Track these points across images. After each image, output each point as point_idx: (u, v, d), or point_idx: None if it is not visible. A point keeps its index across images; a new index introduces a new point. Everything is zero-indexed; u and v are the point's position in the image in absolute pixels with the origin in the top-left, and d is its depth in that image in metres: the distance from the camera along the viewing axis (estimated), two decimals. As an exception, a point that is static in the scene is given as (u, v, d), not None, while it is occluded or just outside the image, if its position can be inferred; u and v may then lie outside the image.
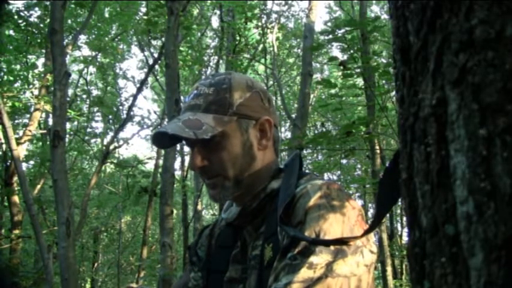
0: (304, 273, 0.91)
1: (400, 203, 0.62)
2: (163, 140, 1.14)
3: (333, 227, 0.95)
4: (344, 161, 11.07)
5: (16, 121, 9.45)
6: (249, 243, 1.10)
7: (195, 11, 10.26)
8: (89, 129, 11.91)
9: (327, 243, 0.91)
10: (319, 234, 0.94)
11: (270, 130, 1.13)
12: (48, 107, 7.83)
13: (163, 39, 7.91)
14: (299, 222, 0.97)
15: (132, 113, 10.80)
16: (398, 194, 0.60)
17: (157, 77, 12.02)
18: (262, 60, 10.30)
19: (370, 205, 11.99)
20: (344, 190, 1.04)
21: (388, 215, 8.09)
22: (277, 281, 0.93)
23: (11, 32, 8.24)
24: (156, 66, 10.52)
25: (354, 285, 0.93)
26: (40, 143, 10.34)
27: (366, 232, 0.76)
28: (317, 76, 12.42)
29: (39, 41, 8.24)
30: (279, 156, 1.20)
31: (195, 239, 1.32)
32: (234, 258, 1.13)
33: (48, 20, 5.16)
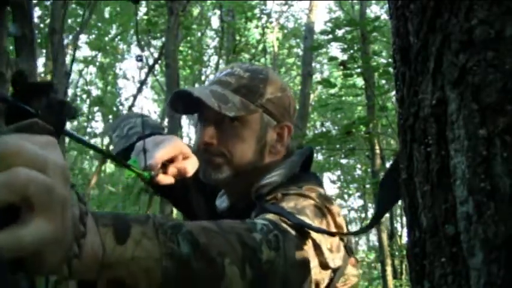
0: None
1: (400, 203, 0.62)
2: (178, 103, 1.07)
3: (312, 213, 0.87)
4: (344, 161, 11.06)
5: (16, 121, 9.44)
6: None
7: (195, 11, 10.25)
8: (89, 129, 11.91)
9: (312, 228, 0.81)
10: (297, 208, 0.86)
11: (288, 137, 1.08)
12: (48, 107, 7.81)
13: (163, 39, 7.91)
14: (274, 187, 0.95)
15: (132, 113, 10.79)
16: (398, 195, 0.60)
17: (157, 77, 12.01)
18: (262, 60, 10.29)
19: (370, 205, 11.98)
20: (329, 197, 0.96)
21: (388, 215, 8.07)
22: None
23: (11, 32, 8.23)
24: (156, 66, 10.52)
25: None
26: (40, 143, 10.31)
27: (366, 229, 0.76)
28: (317, 76, 12.42)
29: (39, 41, 8.24)
30: None
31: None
32: None
33: (48, 20, 5.17)
